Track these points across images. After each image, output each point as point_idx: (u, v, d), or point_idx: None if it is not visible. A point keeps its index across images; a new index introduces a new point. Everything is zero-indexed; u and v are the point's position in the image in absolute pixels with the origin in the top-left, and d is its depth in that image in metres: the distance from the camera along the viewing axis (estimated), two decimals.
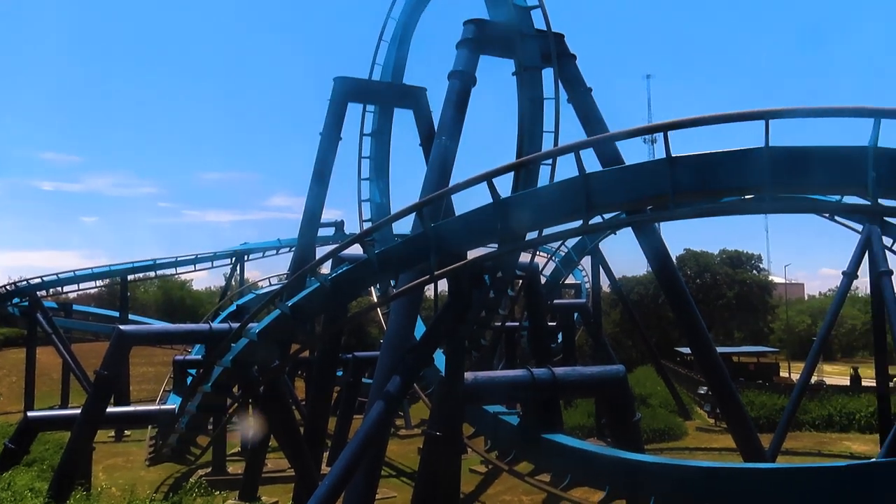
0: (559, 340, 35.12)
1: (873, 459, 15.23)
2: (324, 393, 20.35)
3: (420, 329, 17.94)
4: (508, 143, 22.23)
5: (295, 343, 18.80)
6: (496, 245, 11.24)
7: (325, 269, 18.69)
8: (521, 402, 14.13)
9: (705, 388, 33.52)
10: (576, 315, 34.72)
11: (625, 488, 11.24)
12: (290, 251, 41.74)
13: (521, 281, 23.59)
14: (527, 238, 11.94)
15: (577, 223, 9.81)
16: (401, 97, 24.04)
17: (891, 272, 22.66)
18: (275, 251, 46.90)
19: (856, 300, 58.28)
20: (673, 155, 8.99)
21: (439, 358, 17.04)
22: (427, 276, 10.48)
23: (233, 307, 36.14)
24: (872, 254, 22.82)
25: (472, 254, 11.97)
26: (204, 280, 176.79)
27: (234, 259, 46.82)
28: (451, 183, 14.85)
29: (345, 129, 23.36)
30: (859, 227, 23.97)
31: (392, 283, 17.66)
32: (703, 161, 9.09)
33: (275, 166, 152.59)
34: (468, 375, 12.85)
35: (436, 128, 18.93)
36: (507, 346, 31.01)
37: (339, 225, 44.48)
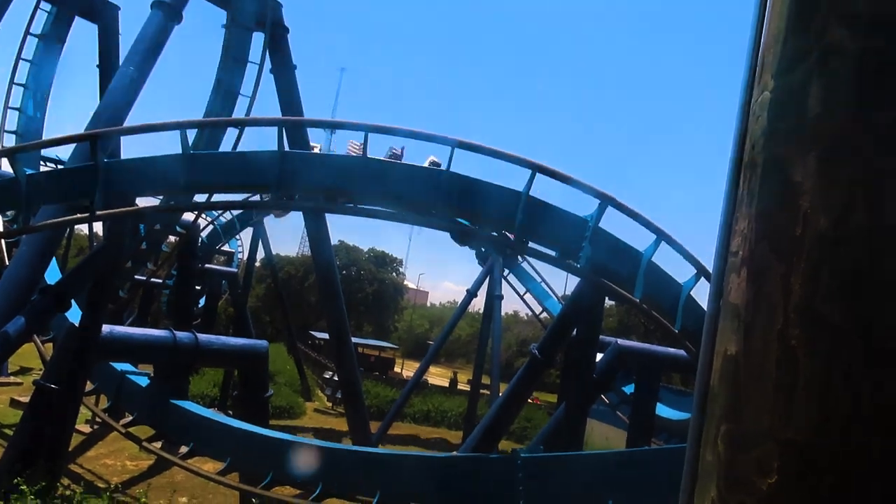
0: (200, 305, 33.88)
1: (455, 453, 17.98)
2: None
3: (53, 271, 15.78)
4: (201, 96, 21.06)
5: None
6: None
7: None
8: (154, 363, 13.47)
9: (330, 372, 35.67)
10: (223, 283, 33.89)
11: (246, 461, 11.55)
12: None
13: (177, 238, 22.34)
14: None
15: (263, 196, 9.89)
16: (86, 7, 20.91)
17: (502, 297, 27.34)
18: None
19: (465, 315, 67.45)
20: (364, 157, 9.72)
21: None
22: (88, 214, 9.41)
23: None
24: (492, 279, 27.13)
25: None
26: None
27: None
28: (127, 122, 13.57)
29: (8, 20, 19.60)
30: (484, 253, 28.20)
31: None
32: (385, 168, 9.98)
33: None
34: (104, 328, 11.84)
35: (122, 54, 17.00)
36: (142, 302, 28.91)
37: None
